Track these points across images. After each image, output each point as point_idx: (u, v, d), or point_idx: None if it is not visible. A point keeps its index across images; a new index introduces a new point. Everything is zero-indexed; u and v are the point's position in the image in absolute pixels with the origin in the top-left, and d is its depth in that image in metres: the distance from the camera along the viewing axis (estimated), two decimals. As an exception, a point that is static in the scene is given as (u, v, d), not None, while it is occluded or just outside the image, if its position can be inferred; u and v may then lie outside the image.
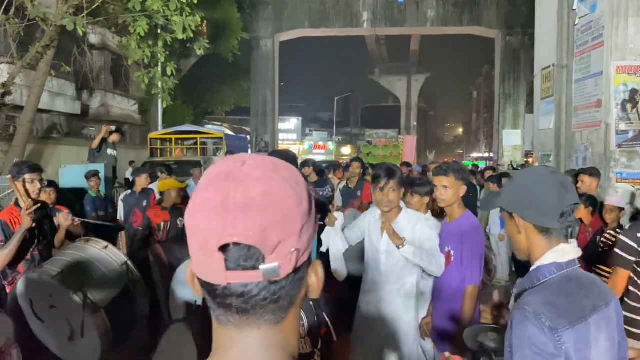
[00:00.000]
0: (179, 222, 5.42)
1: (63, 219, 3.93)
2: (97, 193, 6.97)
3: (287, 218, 0.70)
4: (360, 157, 9.30)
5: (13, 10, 9.05)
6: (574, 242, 1.50)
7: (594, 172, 5.62)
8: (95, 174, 6.93)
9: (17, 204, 3.65)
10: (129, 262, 3.64)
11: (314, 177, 7.87)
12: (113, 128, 8.93)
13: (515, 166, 16.93)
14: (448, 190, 3.03)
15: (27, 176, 3.59)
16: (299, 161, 8.00)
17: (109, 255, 3.58)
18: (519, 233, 1.52)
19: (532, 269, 1.50)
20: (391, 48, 52.94)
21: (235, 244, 0.68)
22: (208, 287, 0.72)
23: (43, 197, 5.60)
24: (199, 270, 0.73)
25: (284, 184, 0.72)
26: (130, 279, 3.59)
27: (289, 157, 3.19)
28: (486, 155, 45.86)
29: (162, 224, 5.37)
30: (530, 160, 17.39)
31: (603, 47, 8.18)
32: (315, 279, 0.77)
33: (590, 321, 1.38)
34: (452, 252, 3.02)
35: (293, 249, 0.70)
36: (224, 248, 0.69)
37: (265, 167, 0.73)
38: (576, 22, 9.06)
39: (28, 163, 3.75)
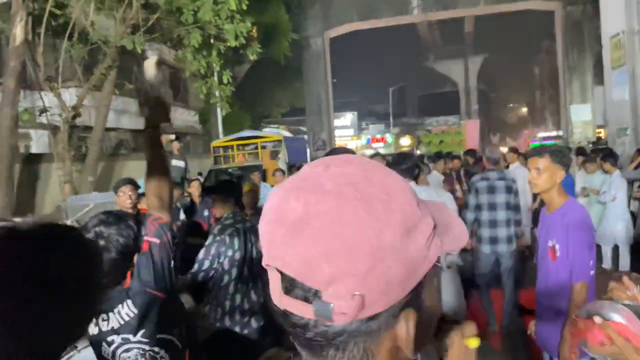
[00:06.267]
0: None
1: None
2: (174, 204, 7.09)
3: (347, 250, 0.55)
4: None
5: (76, 35, 9.51)
6: None
7: None
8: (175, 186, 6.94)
9: None
10: None
11: None
12: (172, 137, 9.11)
13: (589, 142, 15.99)
14: (542, 173, 2.69)
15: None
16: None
17: None
18: None
19: None
20: (444, 32, 51.47)
21: None
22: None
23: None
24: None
25: (358, 205, 0.56)
26: None
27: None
28: (554, 134, 43.76)
29: None
30: (602, 135, 16.40)
31: (680, 7, 7.55)
32: (404, 332, 0.61)
33: None
34: (557, 246, 2.69)
35: (355, 293, 0.55)
36: None
37: (345, 178, 0.59)
38: (646, -17, 8.43)
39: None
